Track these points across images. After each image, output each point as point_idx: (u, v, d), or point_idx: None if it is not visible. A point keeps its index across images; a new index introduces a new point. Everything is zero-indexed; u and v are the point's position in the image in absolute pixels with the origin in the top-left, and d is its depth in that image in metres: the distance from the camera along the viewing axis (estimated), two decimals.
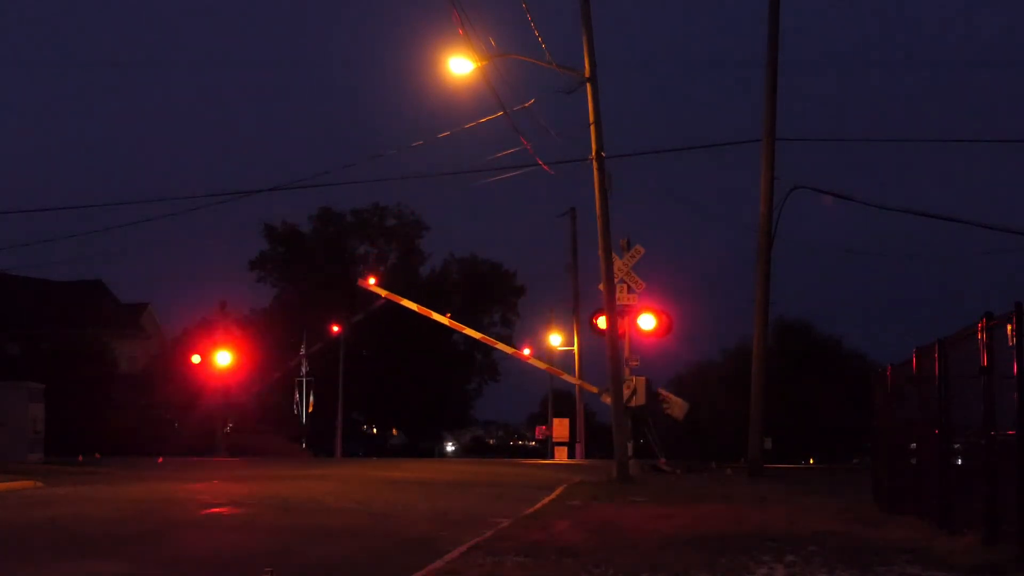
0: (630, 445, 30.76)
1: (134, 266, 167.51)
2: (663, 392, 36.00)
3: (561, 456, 55.16)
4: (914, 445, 17.27)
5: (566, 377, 53.39)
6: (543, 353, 69.27)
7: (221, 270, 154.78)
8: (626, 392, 30.65)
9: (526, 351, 60.82)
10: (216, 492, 21.49)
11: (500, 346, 60.44)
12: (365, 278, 58.28)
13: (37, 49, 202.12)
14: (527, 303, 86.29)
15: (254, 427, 62.81)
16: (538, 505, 19.16)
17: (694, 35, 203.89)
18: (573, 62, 28.24)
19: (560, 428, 57.07)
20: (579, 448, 56.64)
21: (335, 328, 67.08)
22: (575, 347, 58.89)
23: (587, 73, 27.92)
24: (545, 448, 62.42)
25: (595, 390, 45.09)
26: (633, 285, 32.47)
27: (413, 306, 51.72)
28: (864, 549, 12.47)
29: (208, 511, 17.54)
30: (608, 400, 29.98)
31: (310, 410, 75.91)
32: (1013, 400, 11.21)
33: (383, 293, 54.78)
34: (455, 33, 25.30)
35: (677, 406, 35.81)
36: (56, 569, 11.34)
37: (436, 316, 51.67)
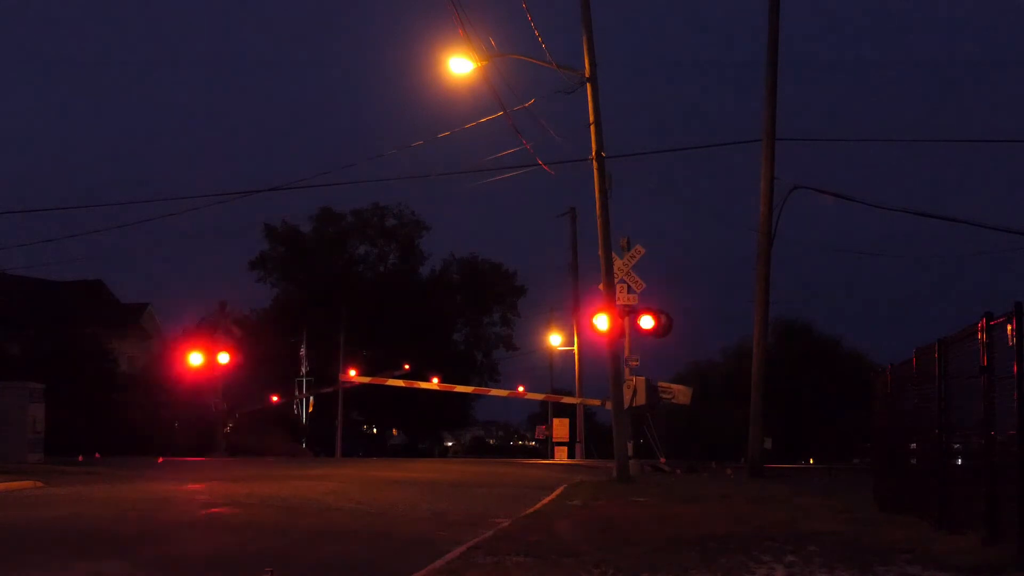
0: (630, 445, 30.74)
1: (134, 266, 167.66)
2: (664, 384, 35.90)
3: (561, 456, 55.16)
4: (914, 445, 17.28)
5: (566, 400, 53.82)
6: (543, 353, 69.49)
7: (221, 270, 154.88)
8: (627, 393, 30.63)
9: (520, 388, 61.58)
10: (216, 492, 21.47)
11: (494, 392, 61.45)
12: (345, 372, 60.15)
13: (38, 49, 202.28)
14: (527, 303, 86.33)
15: (254, 427, 62.79)
16: (538, 505, 19.16)
17: (694, 35, 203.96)
18: (573, 62, 28.26)
19: (560, 428, 57.09)
20: (579, 448, 56.64)
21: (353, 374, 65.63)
22: (575, 347, 58.90)
23: (587, 73, 27.90)
24: (545, 448, 62.44)
25: (598, 403, 45.26)
26: (633, 285, 32.45)
27: (399, 383, 53.48)
28: (864, 549, 12.47)
29: (208, 511, 17.53)
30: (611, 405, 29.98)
31: (310, 410, 75.93)
32: (1013, 400, 11.22)
33: (366, 380, 56.54)
34: (455, 33, 25.35)
35: (681, 393, 35.71)
36: (56, 569, 11.33)
37: (423, 384, 52.96)
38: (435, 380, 61.15)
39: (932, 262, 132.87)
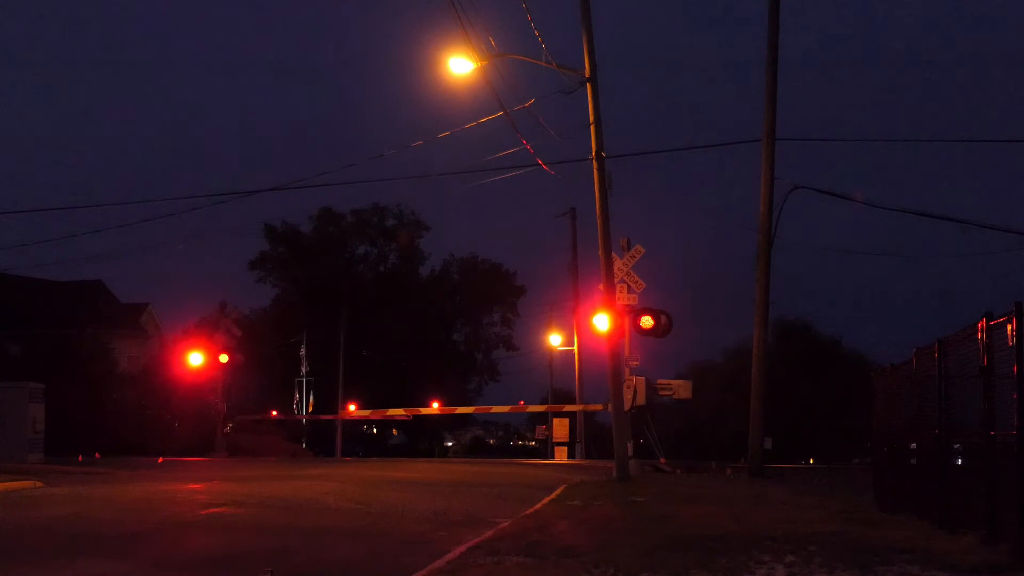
0: (630, 445, 30.73)
1: (134, 266, 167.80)
2: (663, 381, 35.82)
3: (561, 456, 55.13)
4: (914, 445, 17.28)
5: (568, 408, 53.76)
6: (543, 353, 69.48)
7: (221, 270, 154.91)
8: (627, 394, 30.60)
9: (521, 403, 62.00)
10: (216, 492, 21.47)
11: (496, 409, 61.77)
12: (345, 406, 60.92)
13: (38, 49, 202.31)
14: (527, 303, 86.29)
15: (254, 427, 62.78)
16: (538, 505, 19.15)
17: (694, 35, 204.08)
18: (573, 62, 28.24)
19: (560, 428, 57.08)
20: (579, 448, 56.66)
21: None
22: (575, 347, 58.92)
23: (587, 73, 27.89)
24: (545, 448, 62.43)
25: (600, 407, 45.28)
26: (633, 285, 32.42)
27: (400, 412, 54.11)
28: (864, 549, 12.46)
29: (208, 511, 17.53)
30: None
31: (310, 410, 75.93)
32: (1013, 400, 11.22)
33: (366, 414, 57.23)
34: (455, 33, 25.33)
35: (681, 388, 35.60)
36: (56, 569, 11.33)
37: (423, 411, 54.25)
38: (435, 404, 61.66)
39: (932, 262, 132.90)
